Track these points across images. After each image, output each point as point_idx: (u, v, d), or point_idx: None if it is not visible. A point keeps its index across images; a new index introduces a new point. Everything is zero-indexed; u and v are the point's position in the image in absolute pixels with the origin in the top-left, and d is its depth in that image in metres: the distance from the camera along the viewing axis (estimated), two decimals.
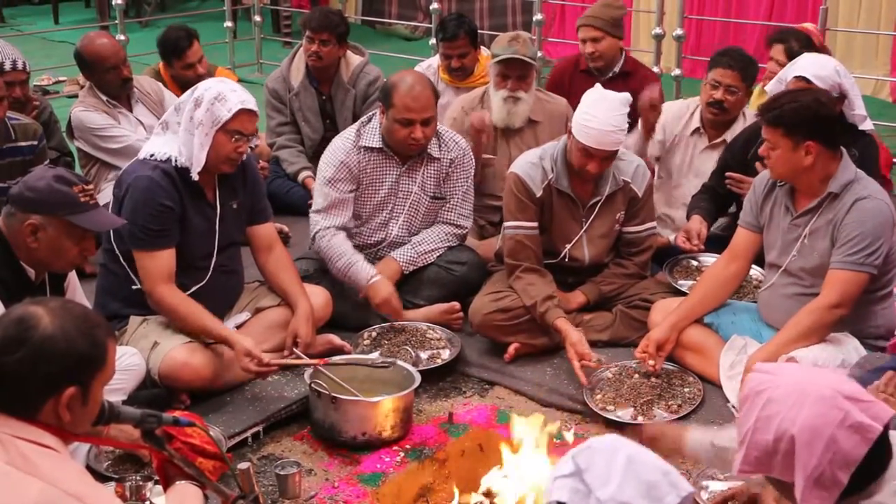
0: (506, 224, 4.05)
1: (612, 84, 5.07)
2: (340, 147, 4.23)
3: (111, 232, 3.63)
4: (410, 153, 4.21)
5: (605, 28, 5.23)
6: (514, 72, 4.59)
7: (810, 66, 4.05)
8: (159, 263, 3.57)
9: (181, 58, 5.44)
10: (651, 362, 3.66)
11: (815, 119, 3.43)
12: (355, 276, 4.10)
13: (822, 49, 4.69)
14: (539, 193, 3.98)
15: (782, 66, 4.53)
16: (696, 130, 4.67)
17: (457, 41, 5.35)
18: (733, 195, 4.35)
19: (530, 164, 4.01)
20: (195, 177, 3.60)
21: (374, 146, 4.20)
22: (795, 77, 4.04)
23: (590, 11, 5.35)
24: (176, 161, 3.59)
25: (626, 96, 3.89)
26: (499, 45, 4.64)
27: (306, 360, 3.63)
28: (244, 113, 3.58)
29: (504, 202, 4.11)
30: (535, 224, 3.99)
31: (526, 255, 3.98)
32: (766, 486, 2.82)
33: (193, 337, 3.61)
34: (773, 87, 4.24)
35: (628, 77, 5.21)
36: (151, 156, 3.62)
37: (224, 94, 3.57)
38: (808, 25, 5.22)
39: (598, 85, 3.97)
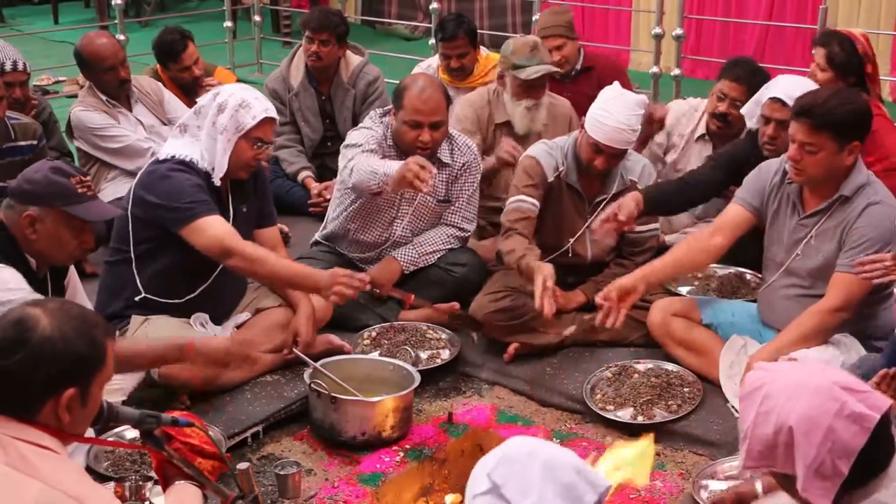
0: (510, 199, 4.02)
1: (577, 82, 5.24)
2: (371, 128, 4.18)
3: (130, 233, 3.63)
4: (419, 156, 4.19)
5: (565, 34, 5.30)
6: (541, 80, 4.59)
7: (785, 87, 3.97)
8: (220, 225, 3.53)
9: (177, 61, 5.43)
10: (611, 319, 3.60)
11: (865, 118, 3.44)
12: (385, 171, 3.89)
13: (865, 56, 4.60)
14: (550, 179, 4.00)
15: (822, 69, 4.50)
16: (702, 137, 4.66)
17: (456, 41, 5.34)
18: (703, 198, 4.28)
19: (545, 152, 4.03)
20: (217, 182, 3.62)
21: (388, 143, 4.20)
22: (770, 99, 3.99)
23: (544, 23, 5.41)
24: (198, 164, 3.60)
25: (643, 98, 3.92)
26: (519, 55, 4.53)
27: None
28: (267, 121, 3.63)
29: (514, 180, 4.09)
30: (536, 203, 3.98)
31: (522, 225, 3.94)
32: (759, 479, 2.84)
33: (192, 336, 3.61)
34: (749, 108, 4.16)
35: (592, 71, 5.29)
36: (172, 157, 3.63)
37: (248, 101, 3.60)
38: (857, 30, 5.14)
39: (616, 83, 3.98)
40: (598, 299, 3.67)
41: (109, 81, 4.94)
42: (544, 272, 3.70)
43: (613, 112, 3.81)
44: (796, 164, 3.44)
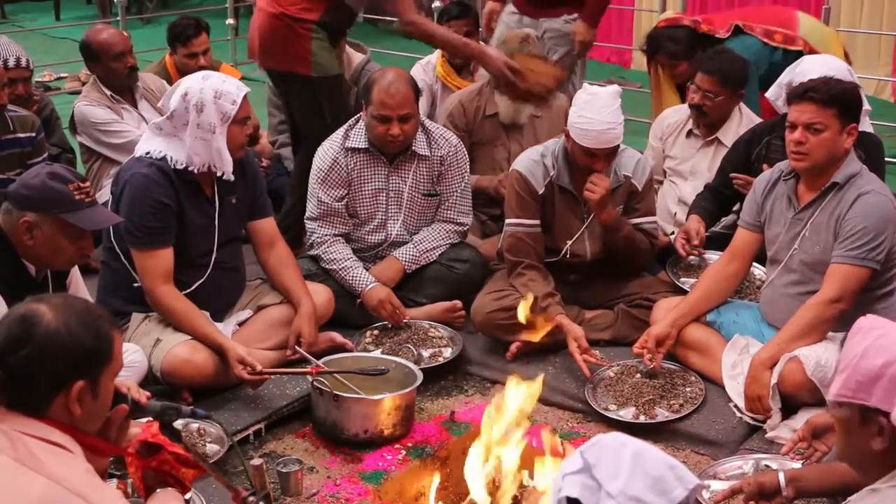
0: (507, 221, 4.06)
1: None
2: (328, 149, 4.24)
3: (111, 229, 3.63)
4: (392, 150, 4.20)
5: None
6: None
7: (812, 68, 4.00)
8: (157, 263, 3.57)
9: (186, 45, 5.50)
10: (648, 356, 3.66)
11: (860, 102, 3.50)
12: (351, 283, 4.12)
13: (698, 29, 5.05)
14: (541, 191, 3.99)
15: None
16: (690, 132, 4.70)
17: (461, 20, 5.43)
18: (738, 195, 4.35)
19: (532, 162, 4.02)
20: (230, 177, 3.62)
21: (360, 147, 4.21)
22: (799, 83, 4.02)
23: None
24: (172, 160, 3.59)
25: (616, 88, 3.90)
26: (509, 45, 4.63)
27: (298, 370, 3.63)
28: (244, 98, 3.62)
29: (506, 199, 4.12)
30: (536, 222, 4.00)
31: (526, 253, 3.99)
32: (767, 471, 2.82)
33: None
34: (774, 91, 4.22)
35: None
36: (147, 153, 3.63)
37: (221, 89, 3.58)
38: (670, 13, 5.38)
39: (585, 84, 3.99)
40: (635, 349, 3.71)
41: (118, 70, 4.94)
42: (575, 334, 3.75)
43: (594, 115, 3.79)
44: (801, 146, 3.45)
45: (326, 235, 4.21)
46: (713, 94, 4.50)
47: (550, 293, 3.89)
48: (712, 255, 4.25)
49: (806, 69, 4.03)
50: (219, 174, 3.62)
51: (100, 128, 4.92)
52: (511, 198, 4.04)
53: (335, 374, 3.52)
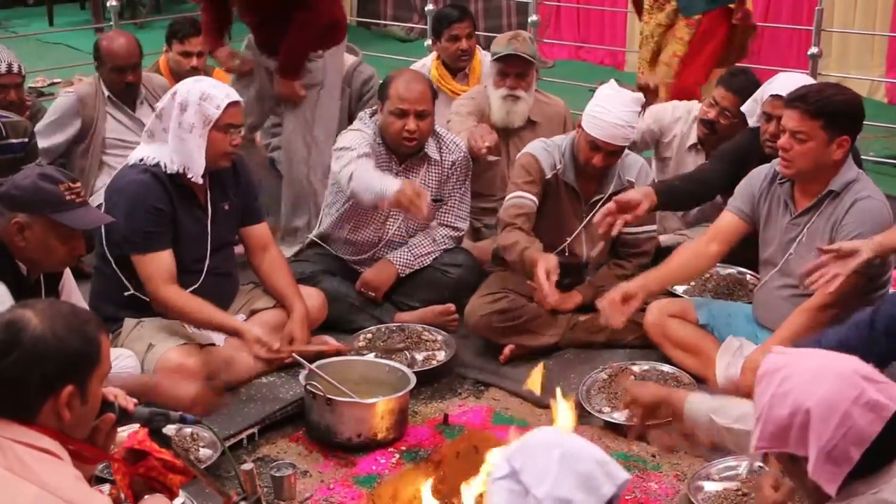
0: (509, 195, 4.03)
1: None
2: (361, 129, 4.18)
3: (103, 236, 3.63)
4: (406, 150, 4.19)
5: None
6: (514, 69, 4.60)
7: (786, 83, 3.95)
8: (159, 265, 3.57)
9: (182, 42, 5.55)
10: (613, 319, 3.59)
11: (857, 114, 3.47)
12: (386, 190, 3.84)
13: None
14: (548, 176, 4.01)
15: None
16: (693, 146, 4.66)
17: (463, 22, 5.41)
18: (707, 196, 4.23)
19: (543, 150, 4.05)
20: (199, 180, 3.60)
21: (378, 142, 4.20)
22: (771, 96, 3.99)
23: None
24: (165, 167, 3.58)
25: (639, 95, 3.93)
26: (499, 43, 4.66)
27: (319, 348, 3.68)
28: (232, 106, 3.60)
29: (511, 177, 4.12)
30: (535, 200, 3.99)
31: (522, 220, 3.95)
32: (765, 474, 2.82)
33: (188, 338, 3.62)
34: (749, 107, 4.19)
35: None
36: (140, 160, 3.62)
37: (208, 92, 3.57)
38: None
39: (612, 81, 3.98)
40: (603, 303, 3.66)
41: (115, 80, 4.95)
42: (548, 263, 3.69)
43: (611, 109, 3.82)
44: (786, 153, 3.45)
45: (360, 156, 4.01)
46: (731, 114, 4.44)
47: (532, 240, 3.85)
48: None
49: (776, 86, 3.98)
50: (189, 176, 3.59)
51: None
52: (518, 175, 4.03)
53: (329, 378, 3.51)
